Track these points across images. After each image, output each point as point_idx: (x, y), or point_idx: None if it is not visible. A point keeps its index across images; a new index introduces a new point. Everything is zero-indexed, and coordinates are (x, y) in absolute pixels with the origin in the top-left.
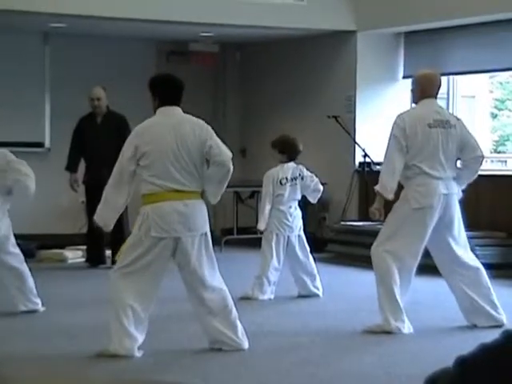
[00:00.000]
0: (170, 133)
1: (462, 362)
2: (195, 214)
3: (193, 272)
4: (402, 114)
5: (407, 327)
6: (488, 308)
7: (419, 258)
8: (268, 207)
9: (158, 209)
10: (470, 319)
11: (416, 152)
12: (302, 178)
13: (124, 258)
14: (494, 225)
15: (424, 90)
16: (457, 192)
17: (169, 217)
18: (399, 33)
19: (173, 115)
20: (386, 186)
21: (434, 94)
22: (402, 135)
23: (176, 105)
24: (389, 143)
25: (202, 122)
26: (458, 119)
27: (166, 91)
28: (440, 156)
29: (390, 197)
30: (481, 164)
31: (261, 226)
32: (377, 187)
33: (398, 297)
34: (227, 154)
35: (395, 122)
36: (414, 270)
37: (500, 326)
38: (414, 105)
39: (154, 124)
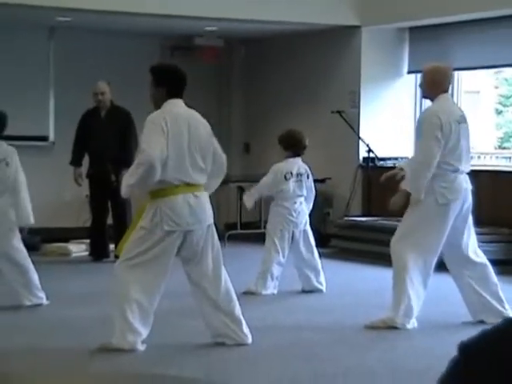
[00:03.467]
0: (185, 127)
1: (464, 348)
2: (204, 205)
3: (198, 263)
4: (433, 111)
5: (412, 323)
6: (495, 304)
7: (439, 252)
8: (258, 194)
9: (171, 202)
10: (476, 315)
11: (450, 149)
12: (308, 177)
13: (130, 250)
14: (498, 221)
15: (440, 84)
16: (471, 187)
17: (182, 210)
18: (403, 28)
19: (183, 108)
20: (421, 191)
21: (448, 89)
22: (442, 135)
23: (181, 98)
24: (428, 144)
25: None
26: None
27: (176, 82)
28: (464, 150)
29: (422, 198)
30: None
31: (248, 202)
32: (407, 188)
33: (411, 293)
34: (224, 160)
35: (431, 122)
36: (434, 263)
37: None
38: (427, 100)
39: (177, 117)
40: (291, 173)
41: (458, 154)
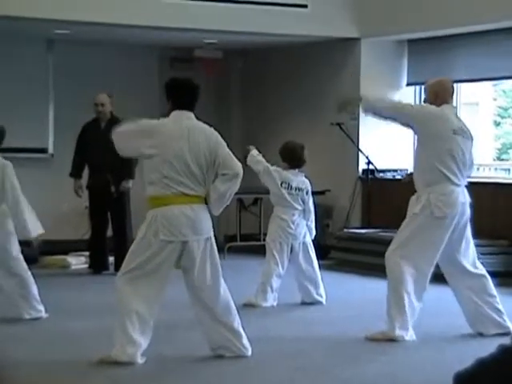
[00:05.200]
0: (182, 137)
1: (459, 378)
2: (201, 217)
3: (197, 276)
4: (433, 108)
5: (410, 335)
6: (494, 315)
7: (434, 264)
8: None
9: (167, 212)
10: (476, 327)
11: (440, 153)
12: (307, 193)
13: (130, 261)
14: (497, 233)
15: (440, 96)
16: (469, 200)
17: (177, 220)
18: (403, 40)
19: (186, 119)
20: (367, 101)
21: (450, 100)
22: (421, 114)
23: (190, 110)
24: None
25: (214, 131)
26: (472, 137)
27: (181, 95)
28: (460, 164)
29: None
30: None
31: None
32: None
33: (406, 305)
34: (237, 168)
35: (423, 106)
36: (429, 276)
37: (506, 333)
38: None
39: (166, 126)
40: (288, 184)
41: (445, 162)
